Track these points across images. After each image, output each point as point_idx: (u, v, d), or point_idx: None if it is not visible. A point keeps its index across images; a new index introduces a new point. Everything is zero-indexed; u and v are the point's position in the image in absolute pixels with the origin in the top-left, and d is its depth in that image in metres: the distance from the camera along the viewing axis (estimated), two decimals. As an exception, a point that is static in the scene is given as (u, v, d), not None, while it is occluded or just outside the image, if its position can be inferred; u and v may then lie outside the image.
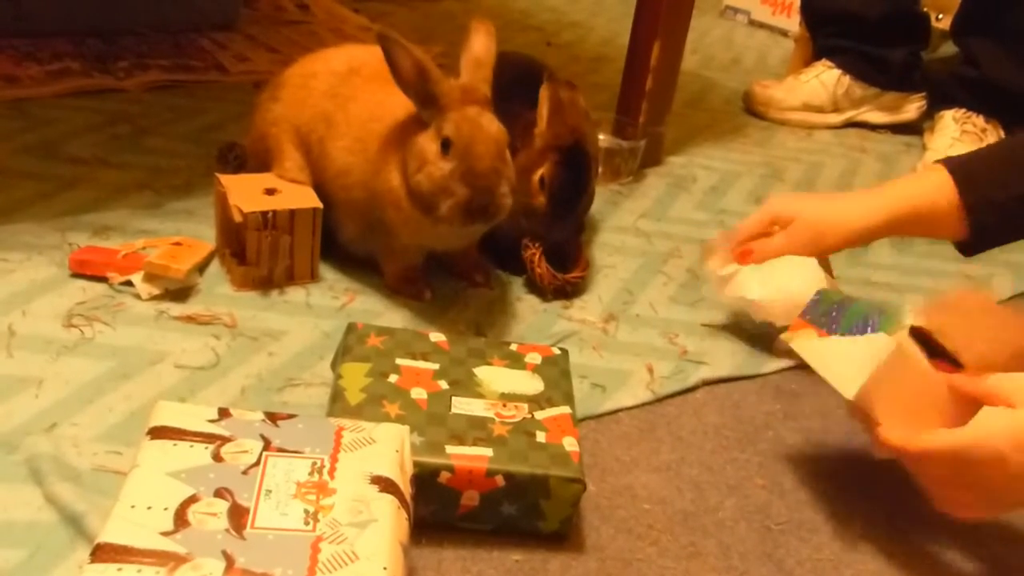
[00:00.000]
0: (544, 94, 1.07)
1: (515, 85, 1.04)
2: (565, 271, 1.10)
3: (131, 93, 1.46)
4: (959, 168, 0.97)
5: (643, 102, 1.44)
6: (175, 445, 0.63)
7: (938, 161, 1.00)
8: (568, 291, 1.10)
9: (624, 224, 1.32)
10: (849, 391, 0.82)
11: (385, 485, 0.62)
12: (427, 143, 0.92)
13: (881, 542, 0.82)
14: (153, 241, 1.04)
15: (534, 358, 0.86)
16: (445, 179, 0.90)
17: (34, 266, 0.99)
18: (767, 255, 1.02)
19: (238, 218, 0.99)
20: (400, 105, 0.96)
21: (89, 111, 1.37)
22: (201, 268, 1.03)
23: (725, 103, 1.90)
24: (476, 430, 0.75)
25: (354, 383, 0.79)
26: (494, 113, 0.94)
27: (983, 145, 1.60)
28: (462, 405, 0.78)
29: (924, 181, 0.99)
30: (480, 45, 0.96)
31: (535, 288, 1.10)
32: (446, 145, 0.90)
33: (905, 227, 0.99)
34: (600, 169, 1.41)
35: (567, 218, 1.10)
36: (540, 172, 1.06)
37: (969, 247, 1.01)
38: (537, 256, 1.08)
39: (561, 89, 1.07)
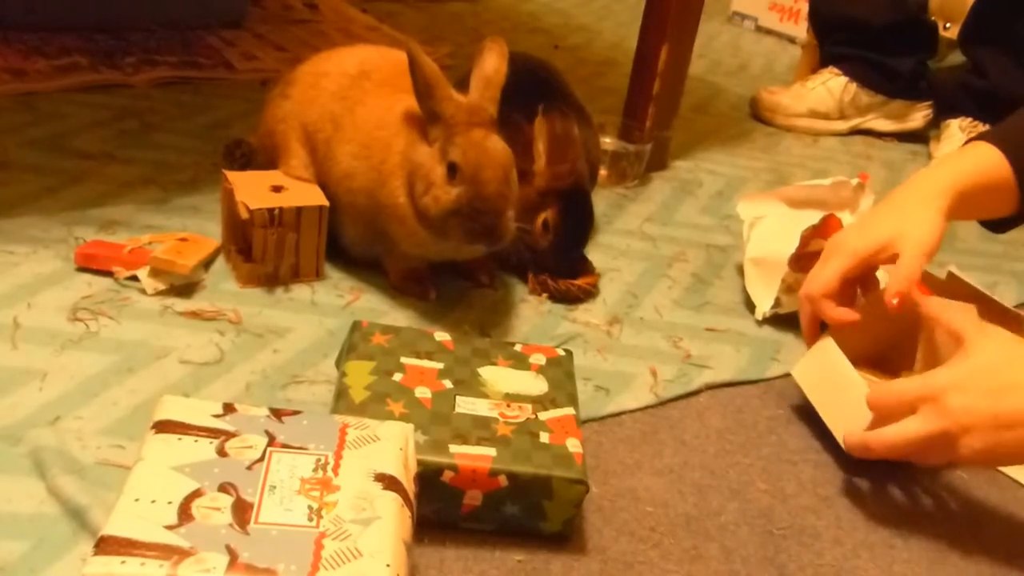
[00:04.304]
0: (540, 129, 1.07)
1: (520, 91, 1.04)
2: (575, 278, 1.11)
3: (139, 89, 1.46)
4: (1005, 141, 0.94)
5: (650, 106, 1.44)
6: (180, 439, 0.63)
7: (977, 136, 0.97)
8: (582, 296, 1.11)
9: (629, 227, 1.32)
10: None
11: (389, 483, 0.62)
12: (433, 165, 0.92)
13: (882, 549, 0.82)
14: (159, 236, 1.04)
15: (538, 359, 0.86)
16: (452, 204, 0.91)
17: (40, 259, 0.99)
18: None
19: (244, 215, 0.99)
20: (407, 113, 0.97)
21: (97, 106, 1.38)
22: (206, 264, 1.03)
23: (732, 108, 1.90)
24: (480, 430, 0.75)
25: (358, 381, 0.79)
26: (498, 128, 0.95)
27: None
28: (466, 404, 0.78)
29: (972, 162, 0.95)
30: (491, 65, 0.96)
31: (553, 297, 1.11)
32: (453, 169, 0.91)
33: (960, 215, 0.95)
34: (606, 172, 1.42)
35: (573, 253, 1.12)
36: (544, 216, 1.07)
37: (1008, 223, 0.99)
38: (551, 282, 1.10)
39: (556, 122, 1.07)
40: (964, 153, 0.97)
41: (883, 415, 0.84)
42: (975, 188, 0.94)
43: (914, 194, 0.95)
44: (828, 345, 0.93)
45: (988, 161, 0.95)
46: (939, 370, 0.82)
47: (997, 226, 1.01)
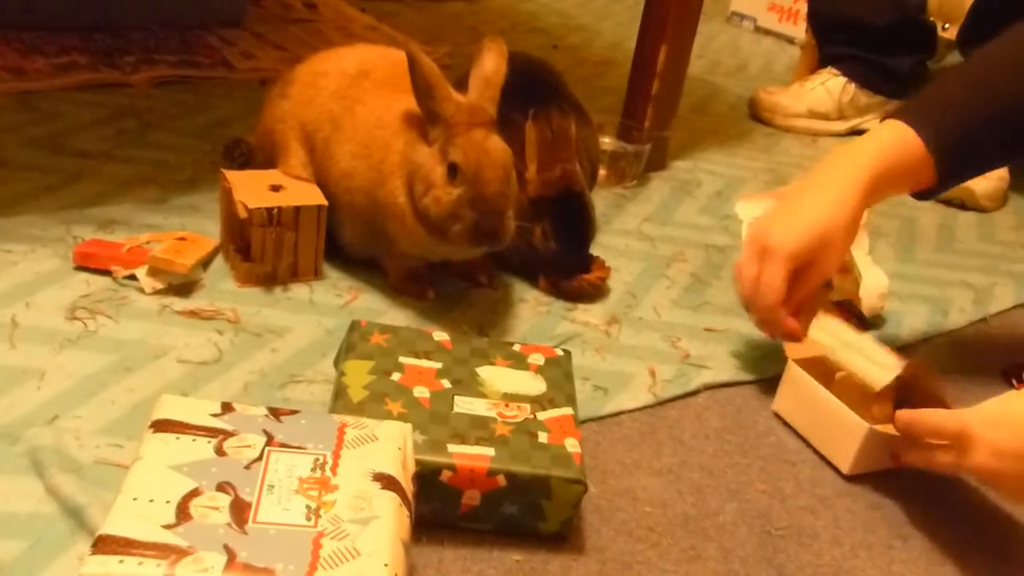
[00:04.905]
0: (529, 134, 1.06)
1: (519, 91, 1.04)
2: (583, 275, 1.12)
3: (138, 88, 1.46)
4: (917, 117, 0.95)
5: (649, 106, 1.44)
6: (178, 439, 0.63)
7: (888, 115, 0.98)
8: (592, 292, 1.11)
9: (628, 227, 1.32)
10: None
11: (387, 482, 0.62)
12: (433, 165, 0.92)
13: (880, 549, 0.82)
14: (157, 236, 1.04)
15: (537, 359, 0.86)
16: (453, 204, 0.91)
17: (38, 258, 0.99)
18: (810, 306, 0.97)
19: (243, 214, 0.99)
20: (406, 113, 0.96)
21: (95, 105, 1.38)
22: (205, 263, 1.03)
23: (730, 109, 1.90)
24: (478, 429, 0.75)
25: (357, 380, 0.79)
26: (498, 128, 0.95)
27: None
28: (465, 404, 0.78)
29: (886, 144, 0.95)
30: (490, 64, 0.96)
31: (557, 293, 1.11)
32: (453, 170, 0.91)
33: (876, 198, 0.96)
34: (605, 172, 1.42)
35: (580, 251, 1.12)
36: (540, 227, 1.08)
37: (931, 193, 0.99)
38: (563, 281, 1.10)
39: (546, 125, 1.07)
40: (877, 135, 0.96)
41: (910, 438, 0.85)
42: (890, 171, 0.94)
43: (833, 185, 0.94)
44: (797, 375, 0.94)
45: (901, 141, 0.94)
46: (973, 410, 0.81)
47: (919, 196, 1.01)
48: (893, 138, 0.95)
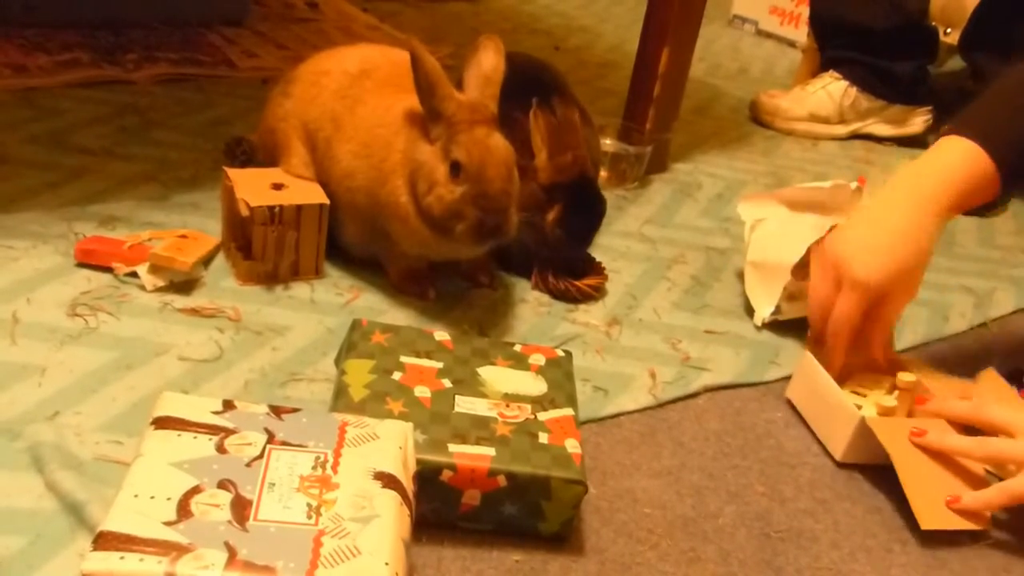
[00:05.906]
0: (536, 121, 1.06)
1: (520, 90, 1.04)
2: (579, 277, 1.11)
3: (140, 85, 1.46)
4: (981, 134, 0.95)
5: (650, 108, 1.44)
6: (179, 436, 0.63)
7: (952, 130, 0.97)
8: (580, 298, 1.11)
9: (629, 229, 1.32)
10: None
11: (388, 481, 0.62)
12: (436, 164, 0.92)
13: (880, 552, 0.82)
14: (159, 233, 1.04)
15: (538, 359, 0.86)
16: (456, 203, 0.91)
17: (40, 255, 0.99)
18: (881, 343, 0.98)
19: (245, 212, 0.99)
20: (408, 112, 0.97)
21: (97, 102, 1.38)
22: (206, 261, 1.03)
23: (732, 111, 1.91)
24: (479, 429, 0.75)
25: (358, 379, 0.79)
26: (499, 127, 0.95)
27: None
28: (465, 404, 0.78)
29: (958, 164, 0.95)
30: (489, 62, 0.96)
31: (559, 296, 1.11)
32: (456, 168, 0.91)
33: (949, 220, 0.97)
34: (606, 174, 1.42)
35: (583, 248, 1.12)
36: (552, 213, 1.07)
37: (988, 208, 1.01)
38: (552, 279, 1.10)
39: (553, 113, 1.06)
40: (947, 157, 0.96)
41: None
42: (965, 194, 0.96)
43: (911, 209, 0.95)
44: (810, 363, 0.97)
45: (972, 161, 0.95)
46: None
47: (977, 211, 1.02)
48: (965, 159, 0.95)
